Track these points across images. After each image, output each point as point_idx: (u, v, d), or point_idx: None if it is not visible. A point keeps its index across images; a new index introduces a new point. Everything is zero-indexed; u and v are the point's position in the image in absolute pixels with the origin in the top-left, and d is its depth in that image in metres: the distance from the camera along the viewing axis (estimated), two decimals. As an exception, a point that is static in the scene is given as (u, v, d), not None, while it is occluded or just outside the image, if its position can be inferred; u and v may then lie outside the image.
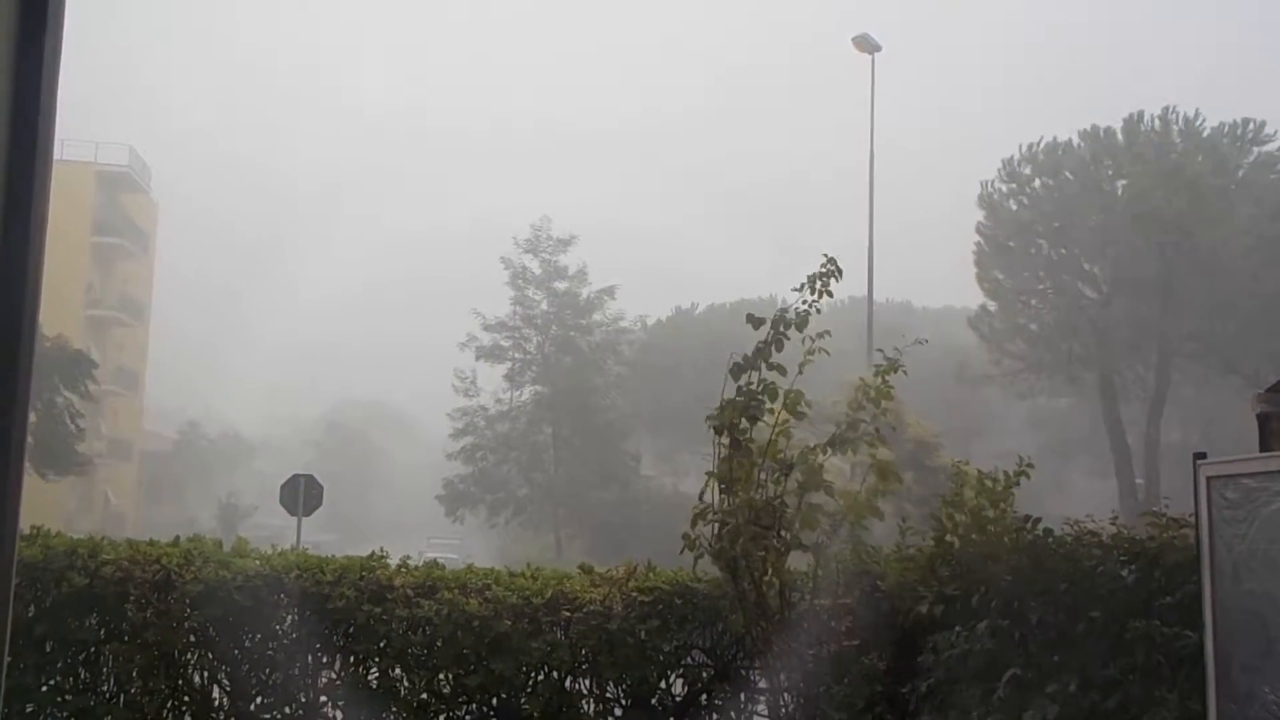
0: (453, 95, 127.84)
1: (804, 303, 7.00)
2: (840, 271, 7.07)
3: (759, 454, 6.77)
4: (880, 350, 7.30)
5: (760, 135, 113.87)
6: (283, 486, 25.50)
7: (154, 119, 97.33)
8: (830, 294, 7.05)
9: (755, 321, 6.98)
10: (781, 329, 6.90)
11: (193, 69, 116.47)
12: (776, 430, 6.81)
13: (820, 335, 6.89)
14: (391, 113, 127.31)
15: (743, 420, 6.75)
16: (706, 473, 7.00)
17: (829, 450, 6.88)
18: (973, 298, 48.30)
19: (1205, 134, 43.10)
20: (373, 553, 7.92)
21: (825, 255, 7.10)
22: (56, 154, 1.86)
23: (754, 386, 6.79)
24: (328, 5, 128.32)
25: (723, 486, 6.78)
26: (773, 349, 6.85)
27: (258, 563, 7.64)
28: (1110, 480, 43.07)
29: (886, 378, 7.09)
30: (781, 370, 6.81)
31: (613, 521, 44.73)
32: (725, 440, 6.82)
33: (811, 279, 7.02)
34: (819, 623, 6.78)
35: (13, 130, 1.71)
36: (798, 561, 6.97)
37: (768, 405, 6.79)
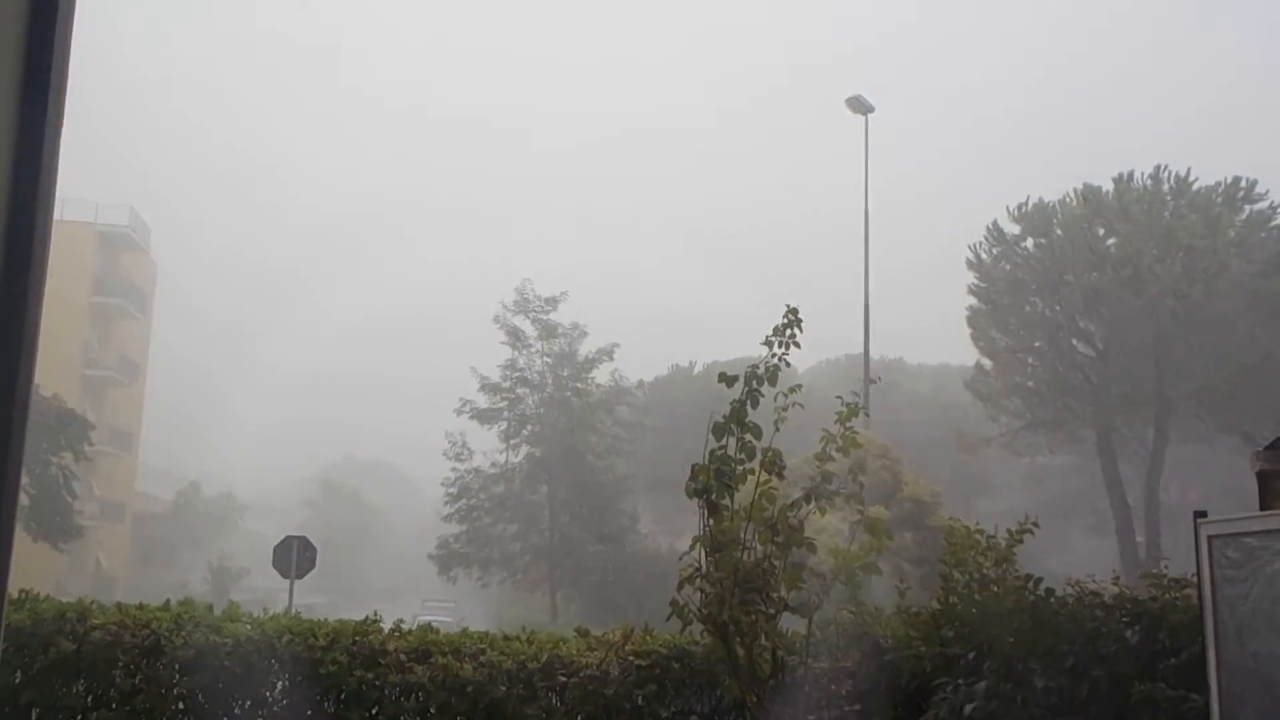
0: (452, 156, 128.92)
1: (773, 356, 6.98)
2: (800, 321, 7.06)
3: (743, 515, 6.71)
4: (839, 396, 7.28)
5: (755, 196, 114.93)
6: (276, 548, 25.31)
7: (149, 183, 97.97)
8: (797, 345, 7.04)
9: (728, 380, 6.94)
10: (755, 385, 6.89)
11: (184, 143, 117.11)
12: (759, 490, 6.75)
13: (793, 390, 6.88)
14: (391, 171, 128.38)
15: (716, 484, 6.69)
16: (694, 537, 6.94)
17: (805, 505, 6.81)
18: (969, 354, 48.47)
19: (1197, 193, 43.46)
20: (366, 617, 7.84)
21: (787, 306, 7.10)
22: (57, 214, 1.87)
23: (725, 450, 6.73)
24: (318, 66, 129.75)
25: (708, 550, 6.72)
26: (747, 406, 6.82)
27: (249, 627, 7.55)
28: (1110, 538, 42.84)
29: (848, 424, 7.07)
30: (757, 431, 6.77)
31: (609, 582, 44.34)
32: (705, 504, 6.77)
33: (776, 331, 7.03)
34: (819, 686, 6.68)
35: (13, 191, 1.72)
36: (797, 624, 6.88)
37: (746, 465, 6.74)
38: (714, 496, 6.68)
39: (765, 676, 6.61)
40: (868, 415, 7.60)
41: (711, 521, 6.68)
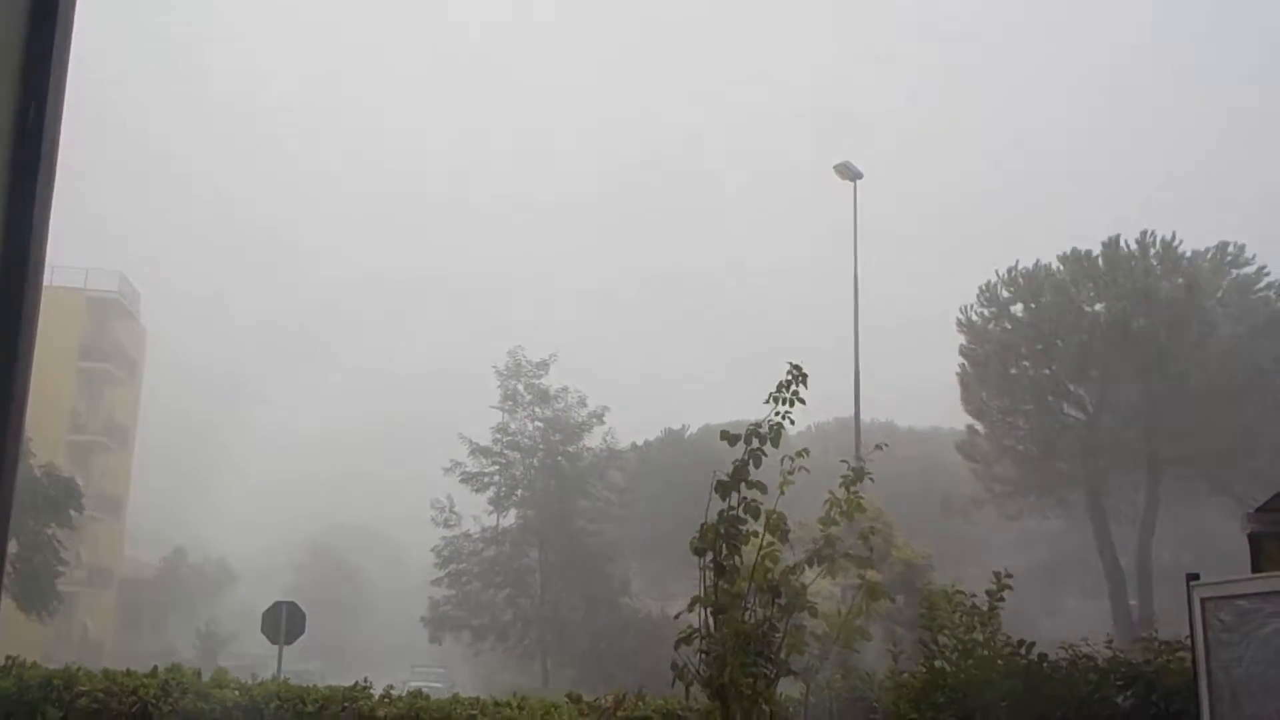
0: (450, 226, 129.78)
1: (776, 414, 6.94)
2: (805, 377, 7.02)
3: (746, 577, 6.66)
4: (845, 461, 7.22)
5: (748, 260, 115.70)
6: (265, 614, 25.07)
7: (144, 251, 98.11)
8: (802, 401, 6.98)
9: (730, 438, 6.88)
10: (757, 444, 6.83)
11: (180, 204, 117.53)
12: (762, 552, 6.71)
13: (800, 454, 6.81)
14: (389, 239, 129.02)
15: (724, 544, 6.64)
16: (693, 598, 6.87)
17: (808, 568, 6.76)
18: (960, 419, 48.47)
19: (1185, 257, 43.87)
20: (356, 683, 7.76)
21: (790, 363, 7.05)
22: (46, 280, 1.88)
23: (734, 510, 6.68)
24: (314, 142, 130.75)
25: (710, 611, 6.65)
26: (750, 466, 6.77)
27: (237, 693, 7.48)
28: (1103, 601, 42.59)
29: (853, 489, 7.04)
30: (761, 488, 6.71)
31: (600, 648, 43.89)
32: (709, 564, 6.71)
33: (781, 387, 6.98)
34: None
35: (3, 256, 1.74)
36: (789, 688, 6.81)
37: (750, 526, 6.68)
38: (721, 557, 6.62)
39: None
40: (873, 480, 7.47)
41: (720, 581, 6.61)
